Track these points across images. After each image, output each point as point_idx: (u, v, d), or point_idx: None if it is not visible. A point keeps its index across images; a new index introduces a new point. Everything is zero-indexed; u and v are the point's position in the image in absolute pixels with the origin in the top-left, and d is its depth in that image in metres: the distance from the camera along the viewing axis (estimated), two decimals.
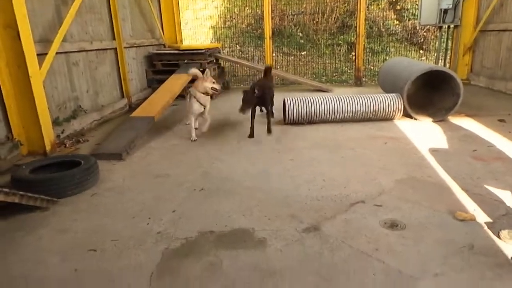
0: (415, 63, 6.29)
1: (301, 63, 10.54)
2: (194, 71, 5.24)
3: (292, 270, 2.20)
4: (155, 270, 2.24)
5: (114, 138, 4.65)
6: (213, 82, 4.95)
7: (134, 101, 7.08)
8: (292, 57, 10.83)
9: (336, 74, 10.26)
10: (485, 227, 2.58)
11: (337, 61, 10.56)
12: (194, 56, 7.93)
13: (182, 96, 6.79)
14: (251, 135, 4.92)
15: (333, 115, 5.50)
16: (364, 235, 2.54)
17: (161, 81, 7.04)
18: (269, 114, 5.09)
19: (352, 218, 2.79)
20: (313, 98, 5.53)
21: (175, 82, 6.74)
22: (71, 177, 3.25)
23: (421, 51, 11.19)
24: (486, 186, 3.23)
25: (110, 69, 6.51)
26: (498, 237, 2.42)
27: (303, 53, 10.94)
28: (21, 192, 2.78)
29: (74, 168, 3.38)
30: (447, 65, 9.13)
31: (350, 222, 2.74)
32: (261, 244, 2.48)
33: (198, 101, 4.82)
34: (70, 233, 2.70)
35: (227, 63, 9.89)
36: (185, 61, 7.86)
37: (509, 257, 2.24)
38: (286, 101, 5.47)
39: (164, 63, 7.97)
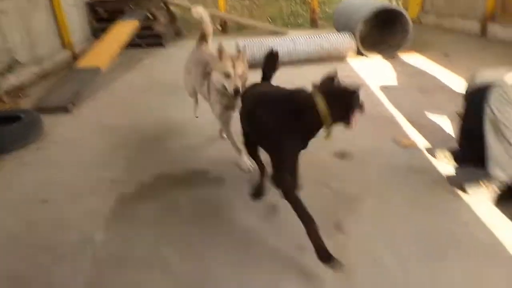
0: (367, 3, 6.23)
1: (255, 7, 10.15)
2: (197, 11, 3.06)
3: (246, 201, 2.28)
4: (110, 214, 2.24)
5: (58, 91, 4.35)
6: (228, 75, 2.41)
7: (78, 52, 6.55)
8: (247, 2, 10.37)
9: (292, 17, 10.03)
10: (424, 151, 2.78)
11: (293, 4, 10.26)
12: (141, 1, 7.35)
13: (131, 45, 6.38)
14: (256, 194, 2.31)
15: (288, 57, 5.44)
16: (316, 165, 2.66)
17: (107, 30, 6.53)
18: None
19: (305, 152, 2.88)
20: (268, 41, 5.40)
21: (121, 30, 6.28)
22: (9, 132, 3.04)
23: None
24: (429, 117, 3.43)
25: (46, 17, 5.90)
26: (434, 157, 2.62)
27: None
28: None
29: (14, 123, 3.16)
30: (400, 4, 9.18)
31: (304, 156, 2.83)
32: (217, 182, 2.53)
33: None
34: (17, 187, 2.59)
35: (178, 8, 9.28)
36: (131, 6, 7.29)
37: (444, 175, 2.46)
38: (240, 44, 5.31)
39: (108, 10, 7.34)
